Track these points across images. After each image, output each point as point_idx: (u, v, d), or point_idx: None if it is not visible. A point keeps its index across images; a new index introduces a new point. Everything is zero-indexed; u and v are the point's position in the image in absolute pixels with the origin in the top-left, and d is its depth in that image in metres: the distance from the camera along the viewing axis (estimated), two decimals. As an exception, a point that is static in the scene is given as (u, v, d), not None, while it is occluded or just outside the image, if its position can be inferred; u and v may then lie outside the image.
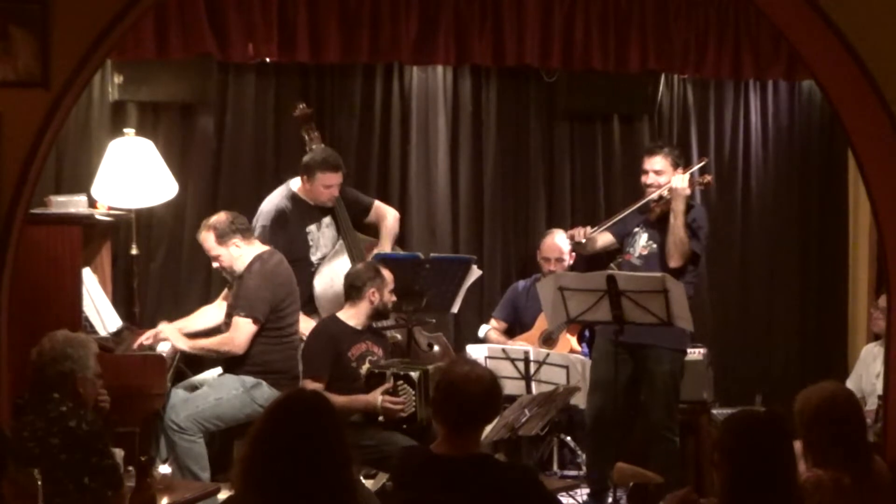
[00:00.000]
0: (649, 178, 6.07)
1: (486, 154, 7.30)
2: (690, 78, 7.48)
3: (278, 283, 5.73)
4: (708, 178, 6.16)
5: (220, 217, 5.80)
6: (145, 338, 5.64)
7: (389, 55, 6.86)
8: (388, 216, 6.56)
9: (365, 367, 5.60)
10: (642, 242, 6.06)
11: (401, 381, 5.44)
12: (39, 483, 3.66)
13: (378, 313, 5.72)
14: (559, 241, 6.81)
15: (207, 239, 5.77)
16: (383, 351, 5.77)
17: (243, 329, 5.64)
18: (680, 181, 5.92)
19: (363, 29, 6.71)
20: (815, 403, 3.92)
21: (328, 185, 6.26)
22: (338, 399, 5.35)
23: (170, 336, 5.66)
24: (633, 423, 6.07)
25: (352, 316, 5.69)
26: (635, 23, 7.00)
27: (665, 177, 6.03)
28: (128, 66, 6.56)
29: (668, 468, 5.52)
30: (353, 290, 5.71)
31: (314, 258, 6.38)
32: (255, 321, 5.64)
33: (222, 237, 5.73)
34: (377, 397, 5.42)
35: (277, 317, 5.71)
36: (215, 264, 5.84)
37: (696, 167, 6.30)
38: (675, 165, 6.08)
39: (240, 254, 5.74)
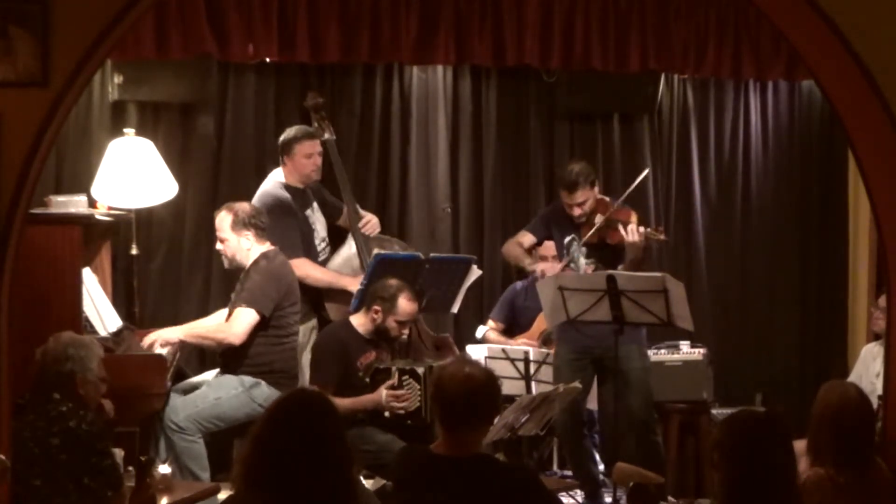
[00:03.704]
0: (576, 212, 5.98)
1: (486, 154, 7.30)
2: (690, 78, 7.48)
3: (284, 283, 5.72)
4: (662, 236, 5.96)
5: (244, 205, 5.79)
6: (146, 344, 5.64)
7: (389, 55, 6.86)
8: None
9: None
10: (583, 261, 6.00)
11: (406, 376, 5.44)
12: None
13: (378, 332, 5.67)
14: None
15: (225, 220, 5.74)
16: (393, 357, 5.76)
17: (244, 319, 5.60)
18: (633, 235, 5.81)
19: (363, 29, 6.71)
20: (829, 403, 3.93)
21: (308, 153, 6.20)
22: (344, 402, 5.35)
23: (162, 334, 5.64)
24: (615, 423, 6.02)
25: (360, 324, 5.68)
26: (635, 23, 7.00)
27: (590, 202, 5.97)
28: (128, 66, 6.56)
29: (656, 468, 5.48)
30: (368, 297, 5.70)
31: (317, 243, 6.37)
32: (259, 314, 5.61)
33: (237, 225, 5.71)
34: (382, 393, 5.42)
35: (279, 315, 5.70)
36: (219, 245, 5.80)
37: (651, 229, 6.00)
38: (593, 185, 6.03)
39: (248, 247, 5.73)
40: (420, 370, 5.43)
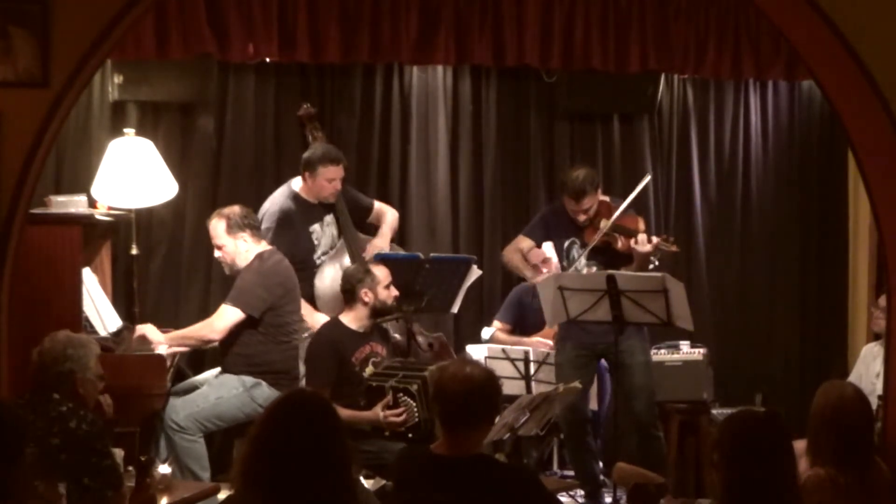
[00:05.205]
0: (582, 217, 5.99)
1: (486, 154, 7.30)
2: (690, 78, 7.48)
3: (275, 282, 5.72)
4: (674, 248, 5.99)
5: (234, 209, 5.80)
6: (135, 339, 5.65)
7: (389, 55, 6.86)
8: (388, 213, 6.56)
9: (368, 370, 5.59)
10: (584, 262, 6.00)
11: (400, 394, 5.40)
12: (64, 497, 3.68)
13: (377, 312, 5.69)
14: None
15: (217, 226, 5.76)
16: (388, 349, 5.77)
17: (226, 315, 5.62)
18: (645, 246, 5.84)
19: (363, 29, 6.71)
20: (828, 403, 3.93)
21: (330, 178, 6.22)
22: (343, 413, 5.35)
23: (148, 333, 5.64)
24: (615, 422, 6.03)
25: (352, 319, 5.68)
26: (635, 23, 7.00)
27: (595, 205, 5.99)
28: (128, 66, 6.57)
29: (657, 466, 5.48)
30: (347, 293, 5.71)
31: (316, 258, 6.36)
32: (245, 312, 5.60)
33: (232, 228, 5.73)
34: (378, 413, 5.42)
35: (275, 315, 5.70)
36: (217, 253, 5.81)
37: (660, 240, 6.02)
38: (597, 188, 6.03)
39: (245, 249, 5.74)
40: (413, 387, 5.38)
